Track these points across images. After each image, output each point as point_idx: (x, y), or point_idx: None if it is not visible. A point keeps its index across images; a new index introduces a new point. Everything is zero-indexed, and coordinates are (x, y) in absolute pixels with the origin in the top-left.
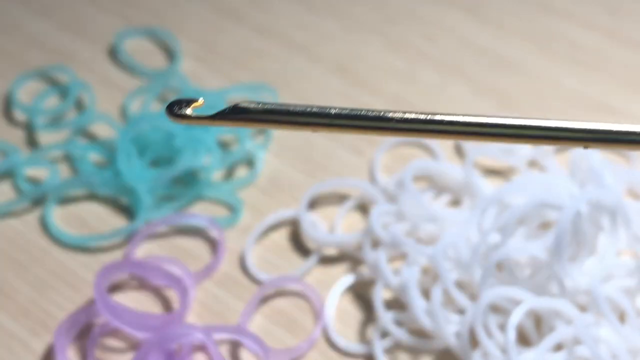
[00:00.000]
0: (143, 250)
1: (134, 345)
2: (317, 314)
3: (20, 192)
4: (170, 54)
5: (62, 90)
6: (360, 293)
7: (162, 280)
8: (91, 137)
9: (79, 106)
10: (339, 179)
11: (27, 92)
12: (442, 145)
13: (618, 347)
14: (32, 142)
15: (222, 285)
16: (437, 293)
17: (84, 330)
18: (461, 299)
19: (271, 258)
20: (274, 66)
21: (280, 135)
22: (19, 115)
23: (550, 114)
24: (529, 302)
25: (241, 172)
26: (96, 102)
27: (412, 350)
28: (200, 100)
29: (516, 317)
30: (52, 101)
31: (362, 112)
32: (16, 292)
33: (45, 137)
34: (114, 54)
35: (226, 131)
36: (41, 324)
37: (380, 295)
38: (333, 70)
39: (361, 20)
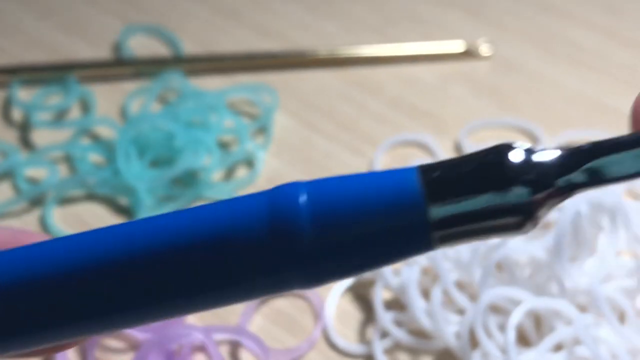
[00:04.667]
0: None
1: (134, 345)
2: (317, 314)
3: (19, 192)
4: (170, 54)
5: (62, 90)
6: (360, 293)
7: None
8: (91, 137)
9: (79, 106)
10: None
11: (26, 92)
12: (442, 146)
13: (618, 347)
14: (31, 142)
15: None
16: (437, 293)
17: None
18: (461, 299)
19: None
20: (274, 66)
21: (280, 135)
22: (19, 115)
23: (551, 114)
24: (529, 302)
25: (241, 172)
26: (96, 102)
27: (412, 351)
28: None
29: (516, 318)
30: (52, 101)
31: None
32: None
33: (45, 137)
34: (114, 54)
35: (226, 131)
36: None
37: (380, 295)
38: (333, 70)
39: (361, 20)
